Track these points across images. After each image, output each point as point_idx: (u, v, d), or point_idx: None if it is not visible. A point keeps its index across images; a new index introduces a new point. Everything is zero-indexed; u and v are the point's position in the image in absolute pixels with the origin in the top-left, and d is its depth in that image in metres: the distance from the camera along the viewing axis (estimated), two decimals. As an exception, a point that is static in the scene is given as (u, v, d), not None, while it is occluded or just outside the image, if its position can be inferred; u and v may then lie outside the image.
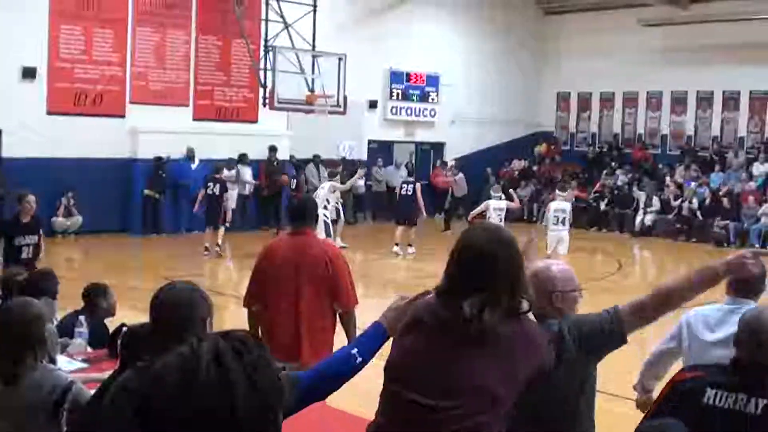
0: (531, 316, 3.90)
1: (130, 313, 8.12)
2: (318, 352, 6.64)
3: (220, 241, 20.50)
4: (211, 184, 20.61)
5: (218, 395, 1.84)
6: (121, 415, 3.44)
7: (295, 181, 26.08)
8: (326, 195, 20.78)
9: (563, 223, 19.11)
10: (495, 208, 19.72)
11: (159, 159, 23.56)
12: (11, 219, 12.12)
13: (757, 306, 4.58)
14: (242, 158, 25.02)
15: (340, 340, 6.92)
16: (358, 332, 4.56)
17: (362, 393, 4.83)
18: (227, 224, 20.77)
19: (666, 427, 3.91)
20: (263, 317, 7.25)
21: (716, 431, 4.09)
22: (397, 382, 3.76)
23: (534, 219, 29.10)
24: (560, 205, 19.59)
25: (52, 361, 5.27)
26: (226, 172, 21.88)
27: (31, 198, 11.59)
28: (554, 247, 18.58)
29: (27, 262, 10.69)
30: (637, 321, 4.36)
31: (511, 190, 23.44)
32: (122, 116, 23.44)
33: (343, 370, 3.75)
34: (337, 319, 7.33)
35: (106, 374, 5.88)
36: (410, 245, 21.95)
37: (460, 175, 29.11)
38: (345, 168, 25.39)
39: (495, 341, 3.64)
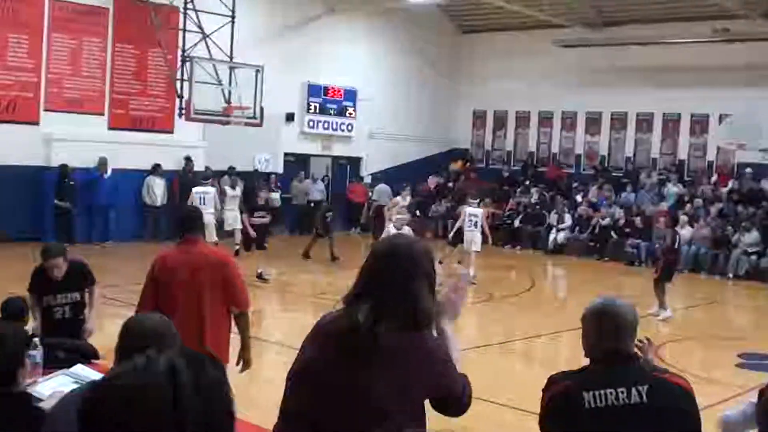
0: (434, 330, 3.79)
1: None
2: (221, 353, 7.00)
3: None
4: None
5: (165, 403, 1.81)
6: (64, 417, 3.40)
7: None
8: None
9: (476, 225, 21.07)
10: (470, 213, 21.34)
11: (64, 167, 23.18)
12: (37, 272, 8.99)
13: (600, 298, 4.56)
14: (155, 169, 24.82)
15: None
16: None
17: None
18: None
19: None
20: None
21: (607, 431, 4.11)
22: (294, 393, 3.72)
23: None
24: (474, 210, 21.57)
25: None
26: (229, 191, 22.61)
27: (58, 261, 8.73)
28: (469, 247, 21.00)
29: (63, 324, 8.70)
30: None
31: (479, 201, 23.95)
32: (36, 123, 23.07)
33: None
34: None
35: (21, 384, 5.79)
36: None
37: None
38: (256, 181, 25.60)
39: (388, 354, 3.54)
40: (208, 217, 19.33)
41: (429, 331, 3.73)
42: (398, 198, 24.27)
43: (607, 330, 4.23)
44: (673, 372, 4.45)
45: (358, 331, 3.52)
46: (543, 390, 4.35)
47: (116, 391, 1.84)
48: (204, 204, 20.29)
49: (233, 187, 22.97)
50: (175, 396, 1.81)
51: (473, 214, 21.35)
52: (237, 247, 21.29)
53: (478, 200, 23.11)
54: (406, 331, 3.57)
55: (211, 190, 21.97)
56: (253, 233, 19.94)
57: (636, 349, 4.37)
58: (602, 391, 4.11)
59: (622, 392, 4.11)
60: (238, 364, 7.56)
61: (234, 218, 21.94)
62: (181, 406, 1.81)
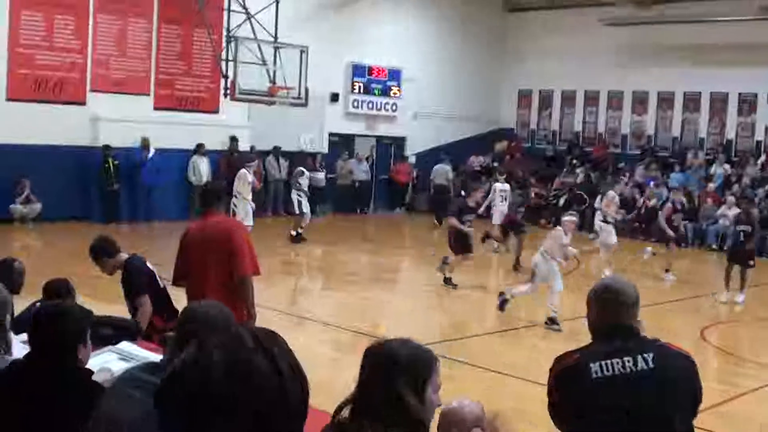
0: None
1: (92, 302, 8.01)
2: None
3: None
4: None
5: (269, 378, 1.85)
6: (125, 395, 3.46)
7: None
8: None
9: (504, 200, 22.17)
10: (500, 189, 22.48)
11: (107, 147, 23.38)
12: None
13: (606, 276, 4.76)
14: (199, 148, 24.96)
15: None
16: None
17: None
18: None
19: None
20: (187, 291, 8.02)
21: (615, 399, 4.22)
22: None
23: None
24: (503, 186, 22.78)
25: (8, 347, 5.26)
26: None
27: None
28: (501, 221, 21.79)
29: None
30: None
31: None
32: (83, 104, 23.25)
33: None
34: None
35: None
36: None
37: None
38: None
39: None
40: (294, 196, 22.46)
41: None
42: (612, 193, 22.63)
43: (608, 306, 4.42)
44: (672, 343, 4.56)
45: None
46: (550, 369, 4.48)
47: (215, 365, 1.85)
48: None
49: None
50: (273, 365, 1.86)
51: (503, 190, 22.52)
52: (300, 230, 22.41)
53: (505, 176, 24.23)
54: None
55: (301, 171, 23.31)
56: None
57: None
58: (608, 361, 4.26)
59: (628, 361, 4.26)
60: None
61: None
62: (281, 373, 1.86)
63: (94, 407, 4.08)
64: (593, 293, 4.50)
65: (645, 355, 4.26)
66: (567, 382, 4.39)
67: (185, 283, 8.04)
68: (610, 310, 4.40)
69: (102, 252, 8.36)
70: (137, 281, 8.16)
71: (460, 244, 17.07)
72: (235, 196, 19.17)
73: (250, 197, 19.87)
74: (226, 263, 7.74)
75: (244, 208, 19.43)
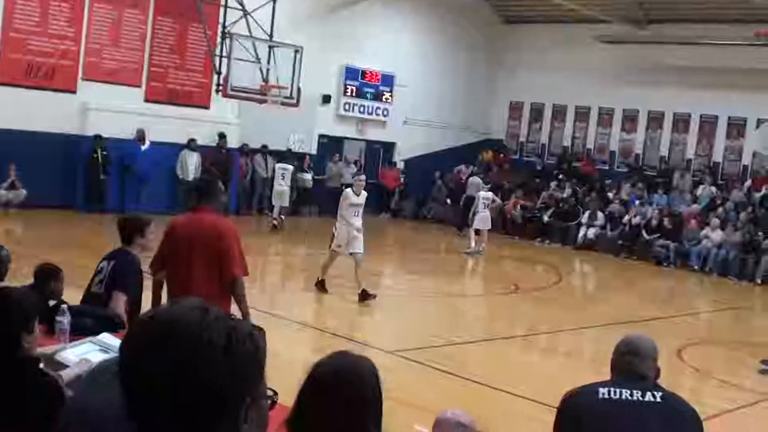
0: None
1: (77, 292, 8.02)
2: None
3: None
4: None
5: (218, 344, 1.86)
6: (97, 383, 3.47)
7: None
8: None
9: (486, 207, 24.35)
10: (483, 197, 24.50)
11: (99, 137, 23.33)
12: None
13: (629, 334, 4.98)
14: (190, 143, 24.95)
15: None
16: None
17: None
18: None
19: None
20: (168, 284, 7.93)
21: (620, 421, 4.38)
22: None
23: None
24: (486, 194, 24.92)
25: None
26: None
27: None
28: (483, 225, 24.02)
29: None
30: None
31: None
32: (73, 92, 23.21)
33: None
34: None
35: (47, 349, 5.85)
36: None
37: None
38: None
39: None
40: (285, 189, 24.94)
41: None
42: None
43: (626, 354, 4.69)
44: None
45: None
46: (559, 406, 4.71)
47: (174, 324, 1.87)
48: (283, 179, 24.92)
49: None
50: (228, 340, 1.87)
51: (486, 198, 24.65)
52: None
53: (489, 186, 26.35)
54: None
55: (289, 167, 25.39)
56: None
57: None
58: (617, 389, 4.47)
59: (637, 392, 4.46)
60: None
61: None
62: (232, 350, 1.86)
63: (44, 399, 4.04)
64: (618, 344, 4.81)
65: (654, 392, 4.49)
66: (573, 403, 4.62)
67: (162, 274, 7.98)
68: (626, 360, 4.66)
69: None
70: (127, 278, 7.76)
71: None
72: (338, 219, 15.91)
73: (356, 222, 15.66)
74: (214, 261, 7.70)
75: (346, 234, 15.63)
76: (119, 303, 7.52)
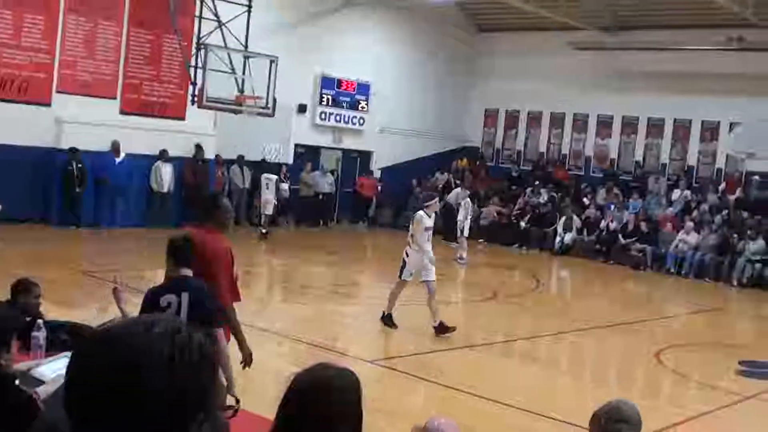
0: None
1: (50, 306, 8.00)
2: None
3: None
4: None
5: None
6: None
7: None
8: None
9: (468, 215, 25.14)
10: (466, 205, 25.18)
11: (74, 150, 23.13)
12: None
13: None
14: (162, 154, 24.82)
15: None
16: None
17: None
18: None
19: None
20: None
21: None
22: None
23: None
24: (468, 201, 25.75)
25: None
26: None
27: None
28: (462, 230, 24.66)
29: None
30: None
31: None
32: (48, 104, 23.09)
33: None
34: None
35: (23, 365, 5.84)
36: None
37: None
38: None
39: None
40: (271, 198, 25.40)
41: None
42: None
43: (618, 422, 4.84)
44: None
45: None
46: None
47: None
48: (267, 189, 25.36)
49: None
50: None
51: (468, 205, 25.42)
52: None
53: (468, 194, 26.80)
54: None
55: (273, 177, 25.72)
56: None
57: None
58: None
59: None
60: (241, 362, 7.35)
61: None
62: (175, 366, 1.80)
63: (20, 416, 4.01)
64: (606, 412, 4.92)
65: None
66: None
67: None
68: (618, 428, 4.81)
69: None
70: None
71: None
72: (408, 244, 14.63)
73: (429, 247, 14.49)
74: (200, 274, 7.14)
75: (420, 261, 14.42)
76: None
